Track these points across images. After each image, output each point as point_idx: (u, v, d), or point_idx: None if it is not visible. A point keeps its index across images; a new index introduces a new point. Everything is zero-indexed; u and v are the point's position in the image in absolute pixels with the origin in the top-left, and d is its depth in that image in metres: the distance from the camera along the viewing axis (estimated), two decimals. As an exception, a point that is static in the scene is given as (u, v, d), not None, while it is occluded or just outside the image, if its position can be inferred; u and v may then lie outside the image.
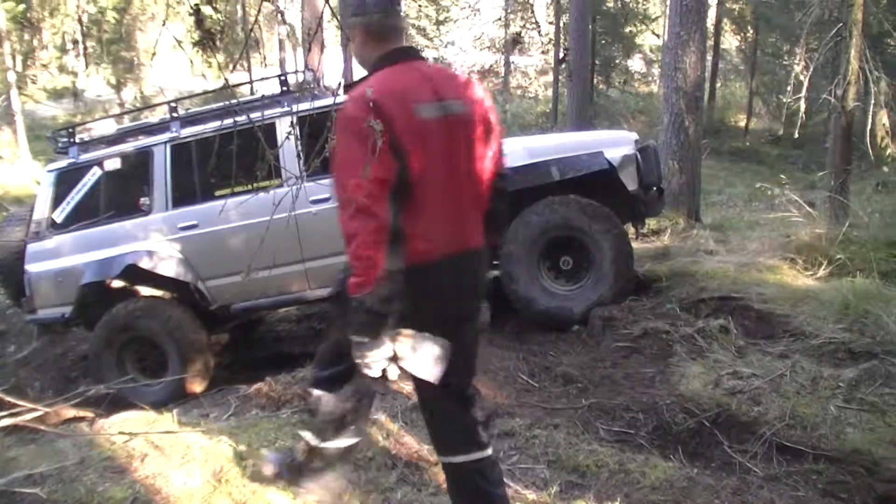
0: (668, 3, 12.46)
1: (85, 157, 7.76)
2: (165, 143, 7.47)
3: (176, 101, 7.96)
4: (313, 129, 7.91)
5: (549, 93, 27.20)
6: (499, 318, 7.36)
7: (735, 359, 5.84)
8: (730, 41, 28.71)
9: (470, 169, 3.29)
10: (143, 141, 7.66)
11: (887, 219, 9.25)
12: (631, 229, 7.93)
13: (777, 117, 23.28)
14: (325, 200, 6.93)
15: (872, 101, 8.66)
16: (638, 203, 7.35)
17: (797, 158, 19.80)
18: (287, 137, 6.06)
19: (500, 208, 3.58)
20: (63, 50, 34.19)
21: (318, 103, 7.31)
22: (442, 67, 3.58)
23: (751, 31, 25.46)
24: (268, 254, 6.27)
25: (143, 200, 7.51)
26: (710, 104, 23.06)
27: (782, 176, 12.37)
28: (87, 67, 33.34)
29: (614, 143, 7.30)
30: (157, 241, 7.30)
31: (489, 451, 3.43)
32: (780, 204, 10.32)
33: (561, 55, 16.61)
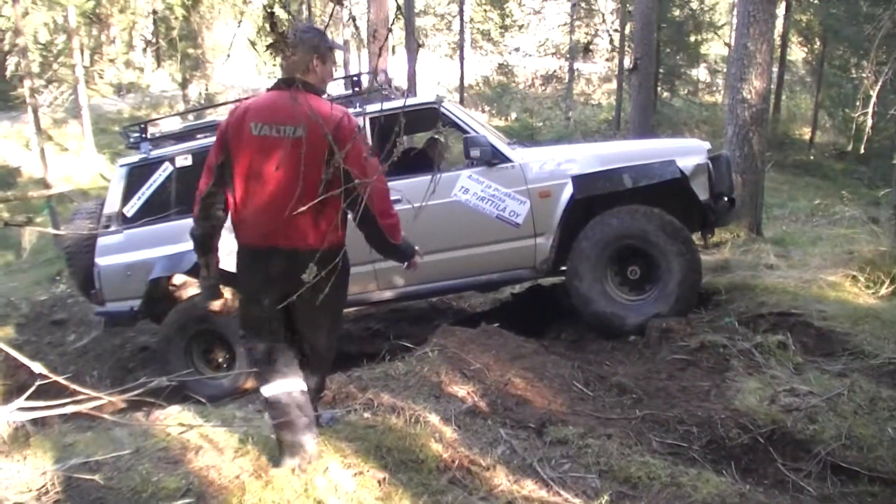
0: (735, 13, 12.34)
1: (156, 152, 7.89)
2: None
3: (245, 99, 8.01)
4: (385, 130, 8.04)
5: (612, 100, 27.09)
6: (555, 326, 7.40)
7: (792, 375, 5.79)
8: (797, 53, 28.43)
9: (296, 181, 3.93)
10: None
11: (955, 237, 9.10)
12: (699, 238, 7.93)
13: (843, 131, 22.99)
14: (397, 202, 7.00)
15: (941, 118, 8.55)
16: (708, 212, 7.31)
17: (862, 174, 19.53)
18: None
19: (368, 234, 4.50)
20: (130, 46, 34.76)
21: (389, 105, 7.38)
22: (314, 99, 4.18)
23: (818, 43, 25.17)
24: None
25: None
26: (774, 116, 22.83)
27: (844, 192, 12.24)
28: (156, 64, 33.87)
29: (686, 152, 7.26)
30: (227, 238, 7.36)
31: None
32: (843, 219, 10.23)
33: (631, 64, 16.50)
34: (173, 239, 7.44)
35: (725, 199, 7.40)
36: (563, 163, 7.21)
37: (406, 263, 4.82)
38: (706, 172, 7.13)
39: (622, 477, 4.48)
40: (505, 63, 33.50)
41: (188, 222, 7.37)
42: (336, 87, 7.82)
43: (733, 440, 4.91)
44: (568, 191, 7.09)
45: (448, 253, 7.19)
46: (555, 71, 31.69)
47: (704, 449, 4.92)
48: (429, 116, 7.43)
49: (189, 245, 7.29)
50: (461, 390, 5.65)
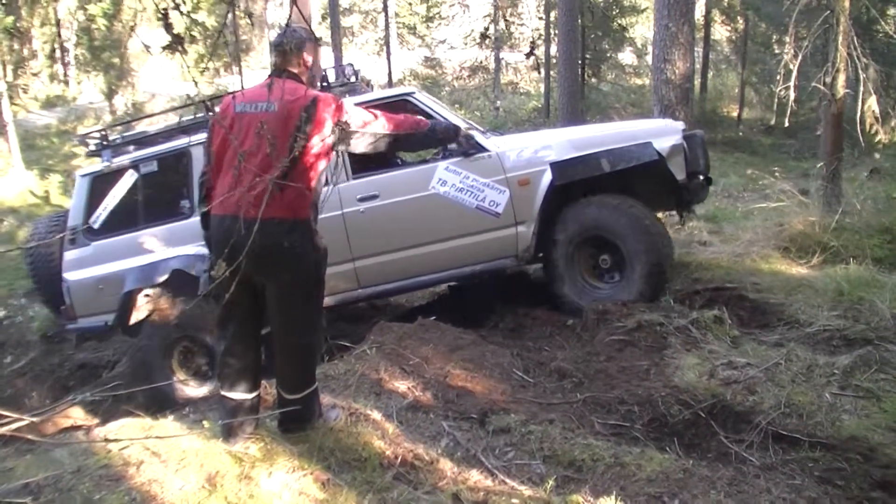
0: (656, -5, 12.47)
1: (119, 160, 7.60)
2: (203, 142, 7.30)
3: (210, 98, 7.82)
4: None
5: (542, 88, 27.13)
6: (494, 316, 7.38)
7: (730, 349, 5.84)
8: (721, 32, 28.67)
9: (261, 153, 4.32)
10: (180, 141, 7.49)
11: (880, 205, 9.23)
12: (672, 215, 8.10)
13: (769, 107, 23.18)
14: (374, 198, 7.03)
15: (861, 88, 8.63)
16: (684, 192, 7.33)
17: (790, 147, 19.77)
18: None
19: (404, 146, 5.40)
20: (53, 59, 34.15)
21: (360, 98, 7.28)
22: (289, 83, 4.58)
23: (740, 22, 25.40)
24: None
25: (184, 203, 7.40)
26: (702, 95, 23.02)
27: (775, 168, 12.37)
28: (78, 76, 33.33)
29: (662, 133, 7.27)
30: (200, 245, 7.20)
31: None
32: (774, 193, 10.32)
33: (527, 50, 16.58)
34: (144, 249, 7.29)
35: (700, 177, 7.41)
36: (540, 150, 7.17)
37: (457, 144, 5.63)
38: (682, 153, 7.15)
39: (566, 461, 4.47)
40: (431, 56, 33.51)
41: (158, 230, 7.28)
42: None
43: (675, 417, 4.93)
44: (547, 177, 7.06)
45: (429, 246, 7.14)
46: (481, 61, 31.70)
47: (647, 427, 4.93)
48: (400, 108, 7.40)
49: (160, 254, 7.18)
50: (402, 385, 5.61)
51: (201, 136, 6.97)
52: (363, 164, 7.30)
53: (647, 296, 6.93)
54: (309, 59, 4.75)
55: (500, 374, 5.84)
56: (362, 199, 7.07)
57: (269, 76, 4.62)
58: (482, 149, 7.15)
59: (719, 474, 4.16)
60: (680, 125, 7.53)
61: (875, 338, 5.78)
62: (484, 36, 28.27)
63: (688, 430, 4.86)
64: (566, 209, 7.19)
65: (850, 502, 3.93)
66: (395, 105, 7.42)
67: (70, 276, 7.44)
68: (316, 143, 4.45)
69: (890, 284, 6.72)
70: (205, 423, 5.09)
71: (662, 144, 7.07)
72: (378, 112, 4.92)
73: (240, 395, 4.62)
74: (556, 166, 7.06)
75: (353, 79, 7.57)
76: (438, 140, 5.49)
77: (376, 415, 5.07)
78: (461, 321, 6.86)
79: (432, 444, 4.80)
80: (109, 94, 28.19)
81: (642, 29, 30.00)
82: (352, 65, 7.70)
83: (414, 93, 7.52)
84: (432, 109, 7.36)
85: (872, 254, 7.79)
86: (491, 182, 7.06)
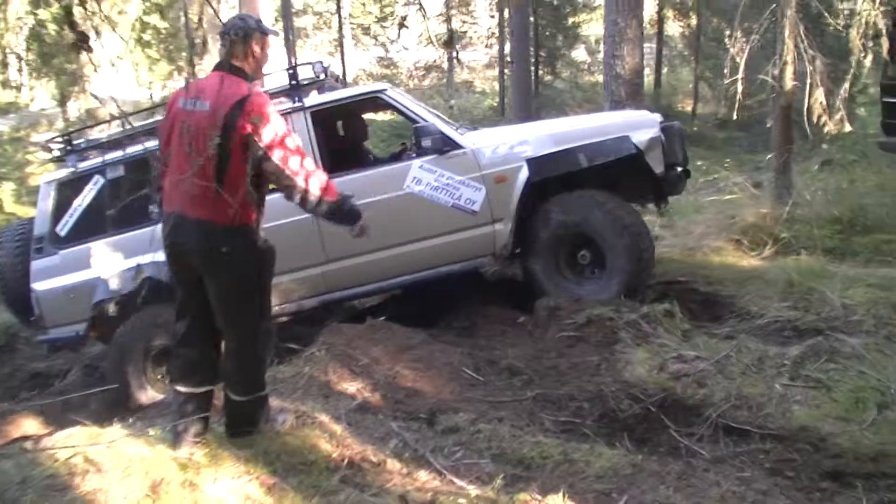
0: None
1: (84, 165, 7.40)
2: None
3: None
4: (327, 121, 7.75)
5: (497, 86, 27.14)
6: (447, 315, 7.31)
7: (680, 342, 5.82)
8: (674, 28, 28.77)
9: (198, 153, 4.18)
10: (148, 144, 7.15)
11: (830, 196, 9.28)
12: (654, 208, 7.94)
13: (721, 101, 23.36)
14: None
15: (809, 81, 8.67)
16: (662, 184, 7.24)
17: (743, 140, 19.86)
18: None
19: (292, 195, 4.45)
20: (4, 65, 33.67)
21: (330, 96, 7.21)
22: (229, 79, 4.38)
23: (693, 17, 25.51)
24: (289, 257, 6.32)
25: (152, 208, 7.07)
26: (656, 91, 23.17)
27: (727, 161, 12.42)
28: (30, 82, 32.88)
29: (639, 126, 7.15)
30: None
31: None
32: (727, 186, 10.36)
33: (445, 38, 16.51)
34: (114, 256, 7.10)
35: (678, 168, 7.30)
36: (516, 145, 7.04)
37: (353, 227, 4.77)
38: (660, 145, 7.02)
39: (515, 459, 4.40)
40: (385, 56, 33.47)
41: (127, 237, 7.09)
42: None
43: (625, 412, 4.90)
44: (524, 174, 6.92)
45: (405, 247, 7.00)
46: (434, 61, 31.67)
47: (597, 423, 4.88)
48: (372, 105, 7.30)
49: (131, 261, 6.97)
50: (350, 387, 5.53)
51: None
52: (336, 164, 7.13)
53: (627, 293, 6.77)
54: (257, 50, 4.46)
55: (450, 372, 5.76)
56: None
57: (216, 67, 4.49)
58: (457, 146, 7.01)
59: (669, 468, 4.11)
60: (657, 117, 7.44)
61: (825, 328, 5.81)
62: (449, 42, 28.12)
63: (638, 424, 4.82)
64: (544, 205, 7.06)
65: (800, 493, 3.89)
66: (366, 102, 7.47)
67: (38, 286, 7.20)
68: (240, 147, 4.24)
69: (840, 274, 6.76)
70: (150, 430, 4.97)
71: (640, 137, 6.96)
72: (303, 155, 4.43)
73: (189, 387, 4.52)
74: (533, 162, 6.94)
75: (322, 76, 7.35)
76: (335, 219, 4.76)
77: (324, 417, 4.97)
78: (413, 321, 6.75)
79: (381, 445, 4.70)
80: (62, 101, 27.78)
81: (596, 27, 30.06)
82: (321, 62, 7.53)
83: (386, 90, 7.36)
84: (405, 107, 7.26)
85: (823, 244, 7.84)
86: (466, 180, 6.93)
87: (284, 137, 4.28)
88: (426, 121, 7.07)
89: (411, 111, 7.22)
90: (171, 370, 4.67)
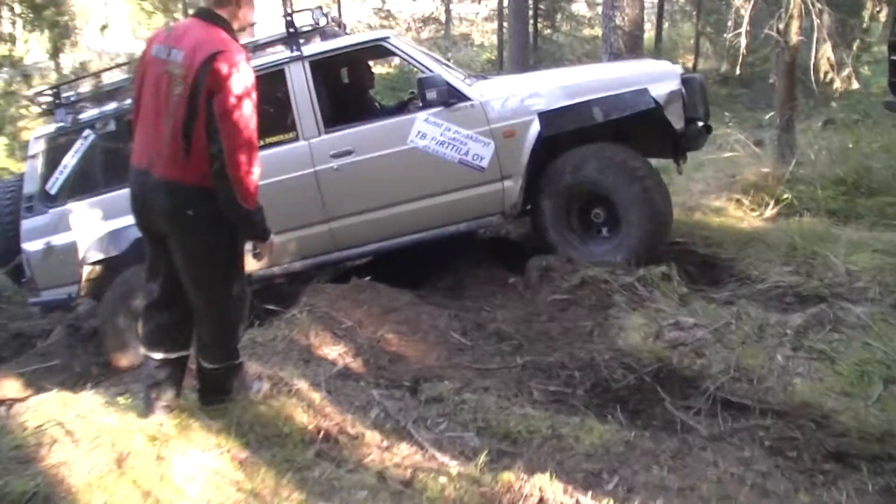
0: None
1: (75, 118, 7.07)
2: None
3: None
4: (329, 71, 7.41)
5: (495, 40, 26.81)
6: (434, 275, 7.06)
7: (678, 308, 5.60)
8: (675, -19, 28.41)
9: (168, 108, 3.89)
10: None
11: (834, 156, 9.02)
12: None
13: (725, 57, 23.09)
14: (348, 154, 6.58)
15: (815, 35, 8.39)
16: (681, 140, 6.83)
17: (744, 97, 19.59)
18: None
19: (216, 187, 3.94)
20: (-3, 18, 33.17)
21: (330, 44, 6.87)
22: (207, 28, 3.97)
23: (695, -30, 25.17)
24: (288, 215, 6.25)
25: None
26: (657, 46, 22.82)
27: (727, 114, 12.16)
28: (24, 35, 32.40)
29: (659, 78, 6.71)
30: None
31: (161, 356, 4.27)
32: (727, 144, 10.10)
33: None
34: (105, 215, 6.81)
35: (698, 123, 6.86)
36: (527, 98, 6.64)
37: (253, 244, 4.30)
38: (680, 99, 6.60)
39: (501, 433, 4.19)
40: (382, 8, 33.00)
41: (118, 195, 6.75)
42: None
43: (618, 382, 4.69)
44: (535, 128, 6.54)
45: (410, 204, 6.68)
46: (432, 13, 31.24)
47: (589, 394, 4.67)
48: (374, 54, 7.02)
49: (123, 220, 6.62)
50: (332, 351, 5.31)
51: None
52: (338, 114, 6.88)
53: (644, 254, 6.43)
54: (248, 15, 4.13)
55: (436, 336, 5.54)
56: (336, 156, 6.58)
57: (196, 14, 4.13)
58: (464, 97, 6.63)
59: (663, 446, 3.90)
60: (678, 69, 7.03)
61: (829, 294, 5.61)
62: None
63: (632, 396, 4.61)
64: (555, 161, 6.70)
65: (802, 476, 3.70)
66: (367, 51, 7.13)
67: (29, 246, 6.94)
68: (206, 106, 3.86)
69: (844, 238, 6.53)
70: (120, 399, 4.75)
71: (659, 91, 6.53)
72: (252, 146, 3.92)
73: (161, 353, 4.26)
74: (545, 116, 6.55)
75: (321, 22, 6.99)
76: (242, 227, 4.16)
77: (303, 384, 4.74)
78: (399, 280, 6.51)
79: (361, 415, 4.49)
80: (54, 53, 27.36)
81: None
82: (320, 7, 7.18)
83: (389, 37, 6.95)
84: (409, 55, 6.92)
85: (826, 206, 7.62)
86: (474, 134, 6.55)
87: (241, 113, 3.83)
88: (431, 71, 6.72)
89: (416, 60, 6.89)
90: (144, 335, 4.39)
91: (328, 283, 6.40)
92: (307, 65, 6.69)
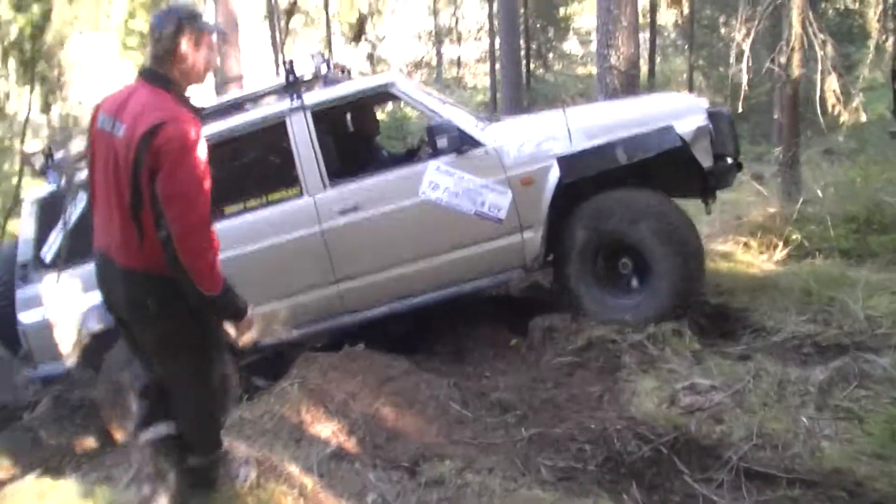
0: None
1: (66, 180, 6.59)
2: None
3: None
4: (332, 120, 7.08)
5: (488, 82, 26.86)
6: (430, 337, 6.74)
7: (691, 366, 5.28)
8: (666, 17, 28.45)
9: (117, 189, 3.56)
10: None
11: (842, 192, 8.75)
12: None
13: (719, 90, 23.07)
14: (356, 209, 6.20)
15: (820, 67, 8.16)
16: (709, 178, 6.40)
17: (743, 132, 19.49)
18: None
19: (169, 260, 3.52)
20: (-8, 73, 33.20)
21: (333, 92, 6.50)
22: (150, 94, 3.56)
23: (686, 5, 25.20)
24: (294, 278, 6.08)
25: None
26: (650, 81, 22.81)
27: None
28: (17, 89, 32.41)
29: (683, 113, 6.27)
30: None
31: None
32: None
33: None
34: None
35: (728, 160, 6.44)
36: (544, 141, 6.22)
37: (230, 323, 3.89)
38: (708, 135, 6.19)
39: (507, 520, 3.86)
40: (373, 53, 33.13)
41: None
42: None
43: (633, 454, 4.34)
44: (554, 174, 6.13)
45: (424, 261, 6.28)
46: (422, 57, 31.32)
47: (601, 469, 4.33)
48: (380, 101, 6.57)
49: None
50: (325, 429, 4.98)
51: None
52: (343, 166, 6.57)
53: (676, 308, 6.03)
54: (187, 52, 3.60)
55: (436, 408, 5.20)
56: (343, 212, 6.21)
57: (140, 75, 3.72)
58: (476, 143, 6.24)
59: (685, 529, 3.58)
60: (703, 102, 6.62)
61: (850, 344, 5.32)
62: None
63: (648, 469, 4.27)
64: (578, 209, 6.27)
65: (839, 555, 3.38)
66: (373, 98, 6.90)
67: (25, 317, 6.58)
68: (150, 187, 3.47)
69: (861, 281, 6.21)
70: (101, 489, 4.49)
71: (685, 127, 6.12)
72: (205, 222, 3.55)
73: (164, 428, 3.92)
74: (564, 161, 6.14)
75: (323, 69, 6.62)
76: (213, 312, 3.79)
77: (293, 468, 4.45)
78: (395, 345, 6.21)
79: (356, 503, 4.17)
80: (45, 108, 27.32)
81: (588, 18, 29.78)
82: (321, 53, 6.85)
83: (395, 82, 6.56)
84: (417, 100, 6.52)
85: (839, 245, 7.32)
86: (490, 183, 6.15)
87: (188, 192, 3.44)
88: (441, 116, 6.33)
89: (424, 105, 6.49)
90: (137, 419, 4.03)
91: (320, 352, 6.05)
92: (309, 115, 6.32)
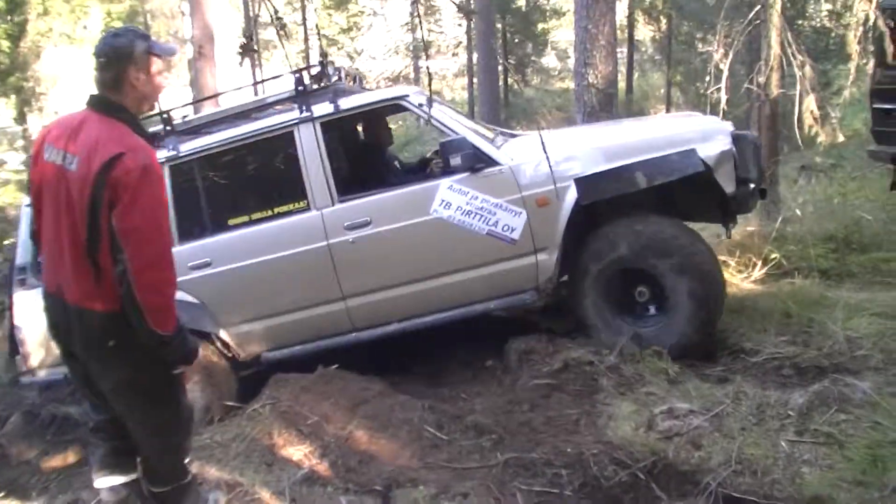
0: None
1: None
2: (162, 163, 5.84)
3: (169, 110, 6.44)
4: (343, 134, 6.94)
5: (466, 96, 26.82)
6: (406, 357, 6.65)
7: (669, 389, 5.21)
8: (644, 32, 28.51)
9: (70, 227, 3.39)
10: None
11: (820, 210, 8.73)
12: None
13: (697, 106, 23.09)
14: (364, 225, 6.04)
15: (798, 87, 8.13)
16: (731, 203, 6.25)
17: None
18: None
19: (124, 295, 3.37)
20: (-30, 84, 32.89)
21: (343, 104, 6.27)
22: (103, 124, 3.39)
23: (663, 21, 25.25)
24: (299, 292, 5.96)
25: None
26: (628, 97, 22.88)
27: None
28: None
29: (707, 137, 6.10)
30: None
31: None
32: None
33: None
34: None
35: (750, 185, 6.25)
36: (562, 161, 6.05)
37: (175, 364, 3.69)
38: (731, 160, 6.04)
39: (483, 549, 3.78)
40: (353, 67, 33.09)
41: None
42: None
43: (610, 479, 4.28)
44: (571, 196, 5.97)
45: (434, 280, 6.13)
46: (401, 71, 31.26)
47: (578, 494, 4.27)
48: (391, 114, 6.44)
49: None
50: (297, 452, 4.89)
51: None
52: (351, 182, 6.37)
53: (695, 339, 5.91)
54: (138, 77, 3.46)
55: (410, 431, 5.09)
56: (351, 227, 6.04)
57: (88, 103, 3.53)
58: (492, 161, 6.06)
59: (662, 559, 3.51)
60: (728, 126, 6.45)
61: (829, 366, 5.29)
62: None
63: (625, 495, 4.21)
64: (595, 234, 6.14)
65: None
66: (384, 109, 6.73)
67: (22, 322, 6.38)
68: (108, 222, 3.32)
69: (841, 302, 6.15)
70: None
71: (709, 151, 5.95)
72: (165, 258, 3.45)
73: (122, 477, 3.83)
74: (582, 182, 5.97)
75: (334, 78, 6.39)
76: (157, 349, 3.51)
77: (265, 492, 4.39)
78: (370, 365, 6.11)
79: (327, 530, 4.09)
80: (21, 119, 27.08)
81: (566, 32, 29.82)
82: (332, 62, 6.66)
83: (408, 95, 6.38)
84: (430, 115, 6.20)
85: (818, 265, 7.27)
86: (504, 202, 5.97)
87: (146, 226, 3.32)
88: (455, 132, 6.15)
89: (437, 121, 6.24)
90: (97, 461, 3.89)
91: (292, 374, 5.93)
92: (318, 126, 6.15)
